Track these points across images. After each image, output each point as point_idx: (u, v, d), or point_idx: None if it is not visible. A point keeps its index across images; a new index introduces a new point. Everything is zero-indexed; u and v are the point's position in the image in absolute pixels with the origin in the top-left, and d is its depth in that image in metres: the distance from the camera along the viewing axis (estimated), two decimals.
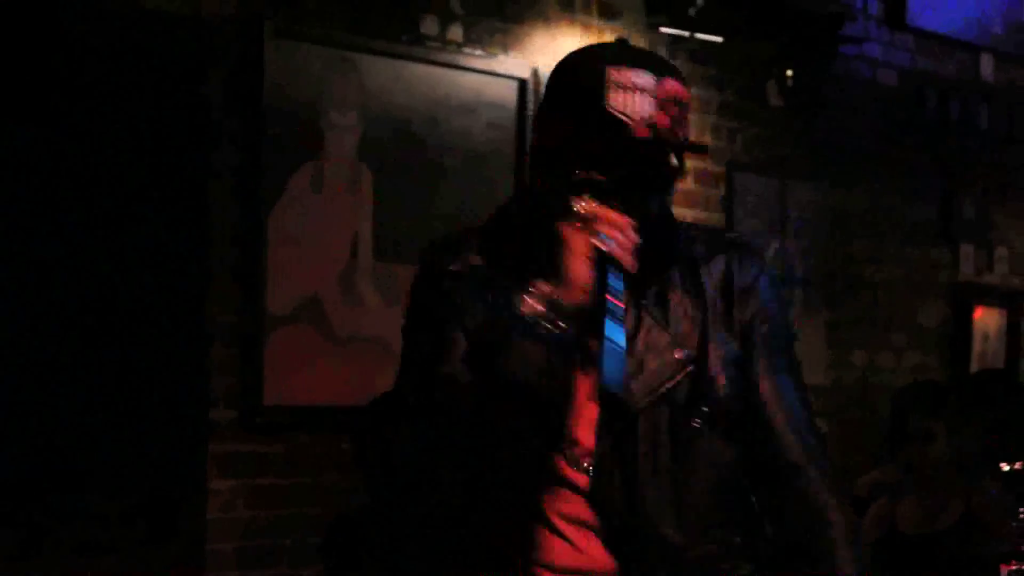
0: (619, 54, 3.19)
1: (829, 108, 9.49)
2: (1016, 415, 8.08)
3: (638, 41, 8.14)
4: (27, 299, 6.16)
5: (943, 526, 7.00)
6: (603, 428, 3.14)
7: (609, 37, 8.27)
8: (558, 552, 3.21)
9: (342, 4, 7.07)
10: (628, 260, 2.96)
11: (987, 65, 11.09)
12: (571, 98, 3.02)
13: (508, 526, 3.21)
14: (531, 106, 7.52)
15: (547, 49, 7.73)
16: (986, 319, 10.93)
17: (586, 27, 8.13)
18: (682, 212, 8.15)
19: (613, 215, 2.93)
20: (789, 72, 8.84)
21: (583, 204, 2.97)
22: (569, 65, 3.12)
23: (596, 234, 2.93)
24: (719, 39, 8.45)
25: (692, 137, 3.19)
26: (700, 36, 8.36)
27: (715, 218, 8.82)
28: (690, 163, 8.33)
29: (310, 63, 6.78)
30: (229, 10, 6.48)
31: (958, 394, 8.18)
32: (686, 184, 8.52)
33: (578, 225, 2.95)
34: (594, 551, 3.20)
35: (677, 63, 7.65)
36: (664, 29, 8.22)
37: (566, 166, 3.00)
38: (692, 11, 8.10)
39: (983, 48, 10.89)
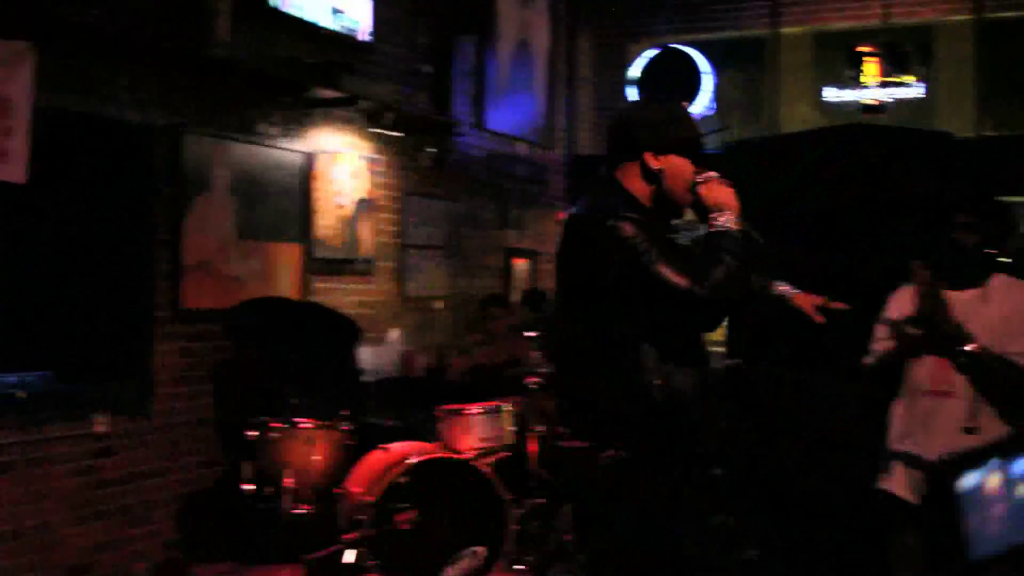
0: None
1: (451, 165, 11.36)
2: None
3: (364, 137, 10.04)
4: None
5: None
6: None
7: (353, 131, 9.94)
8: None
9: (224, 114, 8.49)
10: None
11: (522, 147, 12.99)
12: None
13: None
14: (313, 167, 9.42)
15: (320, 138, 9.55)
16: (520, 265, 12.92)
17: (341, 128, 9.81)
18: (383, 216, 10.28)
19: None
20: (429, 149, 10.85)
21: None
22: None
23: None
24: (402, 134, 10.27)
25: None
26: (391, 133, 10.16)
27: (394, 219, 10.58)
28: (383, 191, 10.32)
29: (203, 146, 8.29)
30: (162, 120, 7.89)
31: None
32: (382, 200, 10.33)
33: None
34: None
35: (380, 145, 10.06)
36: (372, 129, 9.96)
37: None
38: (388, 120, 9.91)
39: (519, 138, 12.86)
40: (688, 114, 4.34)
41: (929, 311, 4.73)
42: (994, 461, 2.13)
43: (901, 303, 4.98)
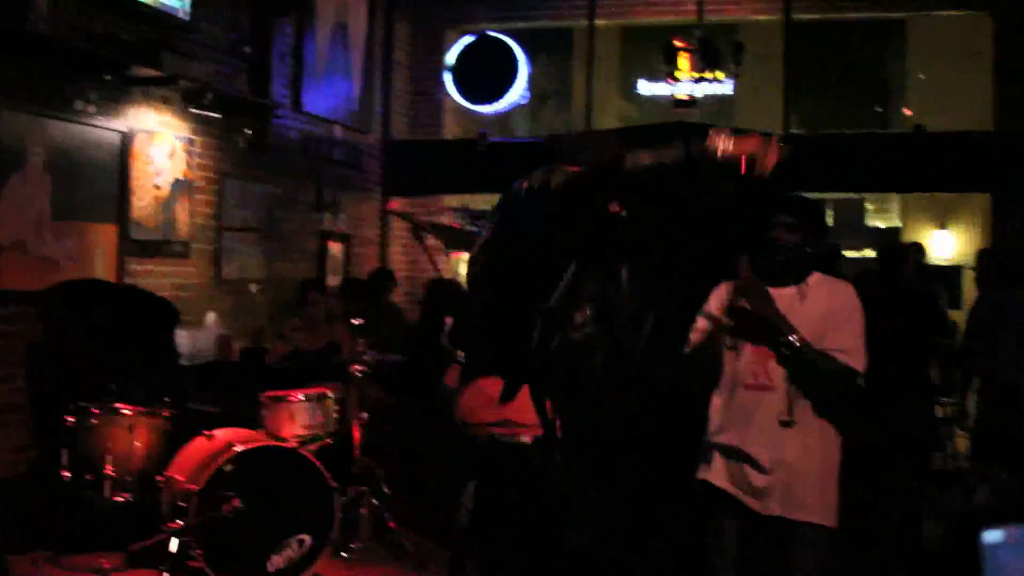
0: None
1: (269, 147, 11.12)
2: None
3: (182, 117, 9.82)
4: None
5: None
6: None
7: (171, 111, 9.72)
8: None
9: (40, 91, 8.26)
10: None
11: (338, 130, 12.82)
12: None
13: None
14: (130, 147, 9.18)
15: (137, 117, 9.31)
16: (335, 249, 12.74)
17: (159, 108, 9.59)
18: (200, 197, 10.11)
19: None
20: (247, 131, 10.63)
21: None
22: None
23: None
24: (220, 115, 10.17)
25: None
26: (209, 114, 10.05)
27: (212, 200, 10.39)
28: (200, 172, 10.13)
29: (19, 123, 8.08)
30: None
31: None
32: (199, 182, 10.14)
33: None
34: None
35: (198, 126, 9.91)
36: (191, 109, 9.79)
37: None
38: (207, 100, 9.76)
39: (335, 122, 12.69)
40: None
41: (755, 305, 4.80)
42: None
43: (721, 296, 5.04)
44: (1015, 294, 9.09)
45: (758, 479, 4.81)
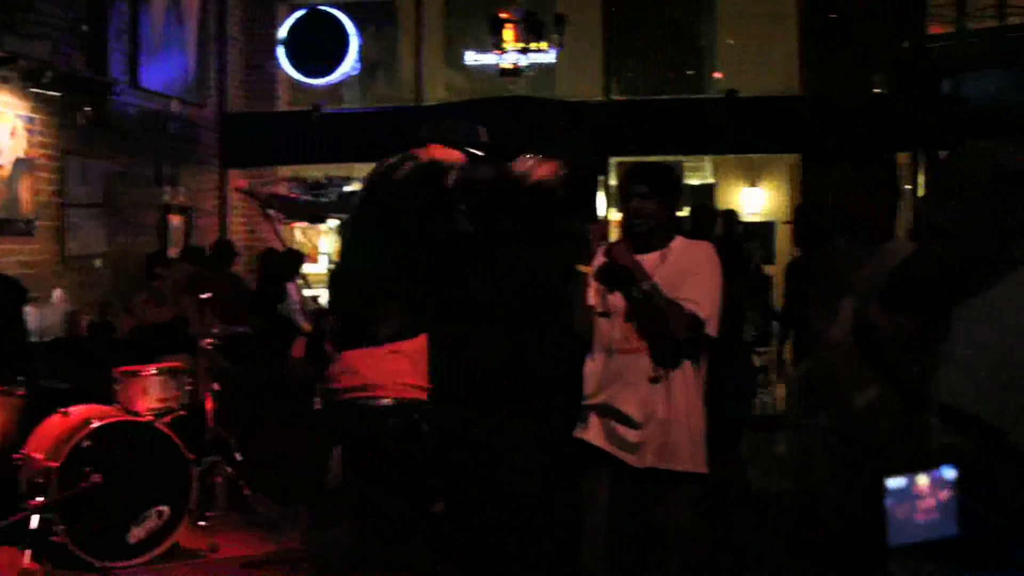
0: None
1: (109, 124, 10.96)
2: None
3: (21, 96, 9.64)
4: None
5: None
6: None
7: (9, 91, 9.54)
8: None
9: None
10: None
11: (175, 104, 12.69)
12: None
13: None
14: None
15: None
16: (176, 221, 12.89)
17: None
18: (42, 175, 10.01)
19: None
20: (87, 108, 10.47)
21: None
22: None
23: None
24: (59, 94, 9.98)
25: None
26: (50, 92, 9.87)
27: (54, 178, 10.27)
28: (41, 150, 9.93)
29: None
30: None
31: None
32: (41, 160, 9.95)
33: None
34: None
35: (38, 105, 9.78)
36: (32, 89, 9.66)
37: None
38: (46, 79, 9.63)
39: (172, 96, 12.57)
40: None
41: (615, 256, 4.96)
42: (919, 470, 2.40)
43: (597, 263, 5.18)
44: (826, 249, 9.31)
45: (632, 435, 4.98)
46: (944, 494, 2.47)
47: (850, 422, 4.39)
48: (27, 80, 9.77)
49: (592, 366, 5.16)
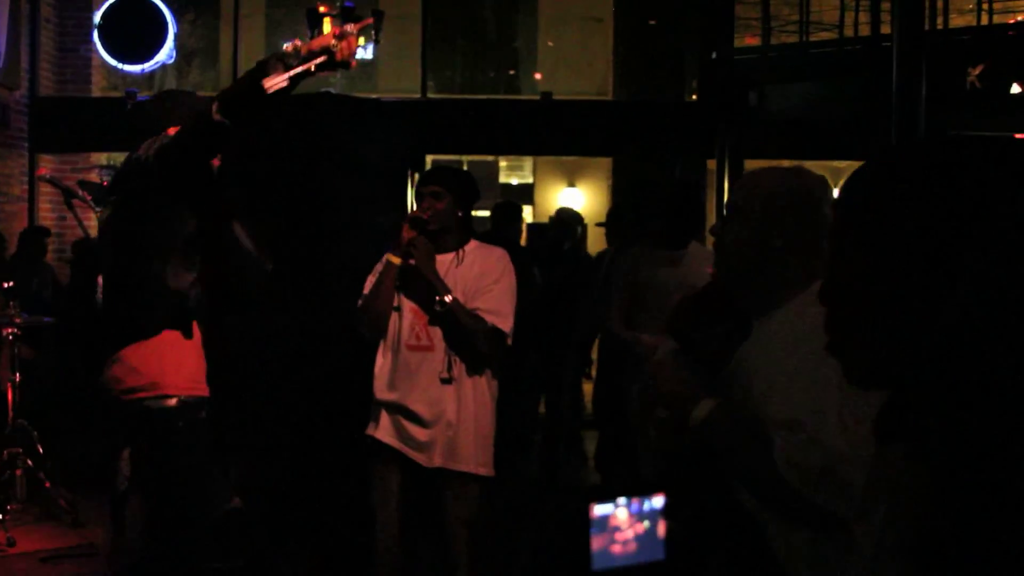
0: None
1: None
2: None
3: None
4: None
5: None
6: None
7: None
8: None
9: None
10: None
11: None
12: None
13: None
14: None
15: None
16: None
17: None
18: None
19: None
20: None
21: None
22: None
23: None
24: None
25: None
26: None
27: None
28: None
29: None
30: None
31: None
32: None
33: None
34: None
35: None
36: None
37: None
38: None
39: None
40: None
41: (418, 263, 5.00)
42: (622, 499, 2.46)
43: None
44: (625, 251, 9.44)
45: (421, 434, 5.04)
46: (648, 522, 2.56)
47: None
48: None
49: (381, 362, 5.20)
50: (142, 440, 4.41)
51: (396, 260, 5.09)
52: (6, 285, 7.94)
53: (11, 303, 7.87)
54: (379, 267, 5.21)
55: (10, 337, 7.79)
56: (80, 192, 7.27)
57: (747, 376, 2.79)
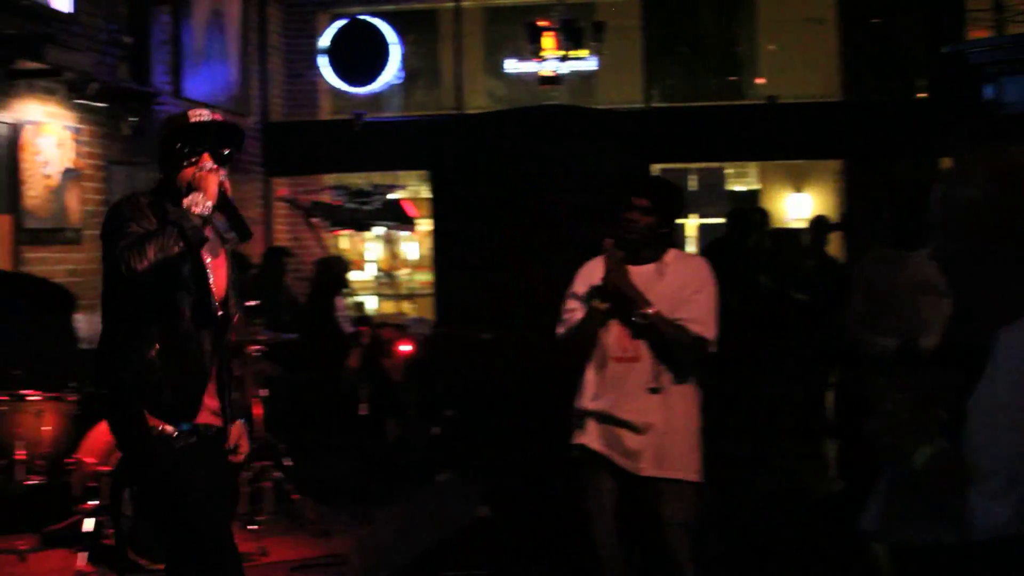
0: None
1: (152, 134, 9.90)
2: None
3: (68, 107, 9.82)
4: None
5: None
6: None
7: (56, 102, 9.73)
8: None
9: None
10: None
11: (218, 114, 13.92)
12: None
13: None
14: (19, 138, 9.16)
15: (24, 109, 9.30)
16: None
17: (44, 99, 9.59)
18: (89, 185, 10.16)
19: None
20: (131, 119, 10.63)
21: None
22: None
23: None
24: (105, 104, 10.16)
25: None
26: (95, 103, 9.98)
27: (100, 187, 10.38)
28: (87, 160, 10.17)
29: None
30: None
31: None
32: (87, 169, 10.11)
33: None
34: None
35: (83, 115, 9.96)
36: (78, 100, 9.80)
37: None
38: (91, 90, 9.81)
39: (215, 106, 11.72)
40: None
41: (614, 281, 5.04)
42: None
43: (588, 276, 5.26)
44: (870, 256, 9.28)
45: (631, 441, 5.07)
46: None
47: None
48: (72, 92, 9.91)
49: (590, 374, 5.22)
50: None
51: (603, 307, 5.12)
52: (251, 304, 8.17)
53: (256, 321, 8.08)
54: (578, 285, 5.28)
55: (256, 354, 8.02)
56: (314, 207, 7.38)
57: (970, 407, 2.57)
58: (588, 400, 5.22)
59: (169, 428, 4.17)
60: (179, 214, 4.11)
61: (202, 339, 4.26)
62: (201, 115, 4.40)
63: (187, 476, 4.17)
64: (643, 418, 5.04)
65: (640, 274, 5.09)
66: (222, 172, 4.35)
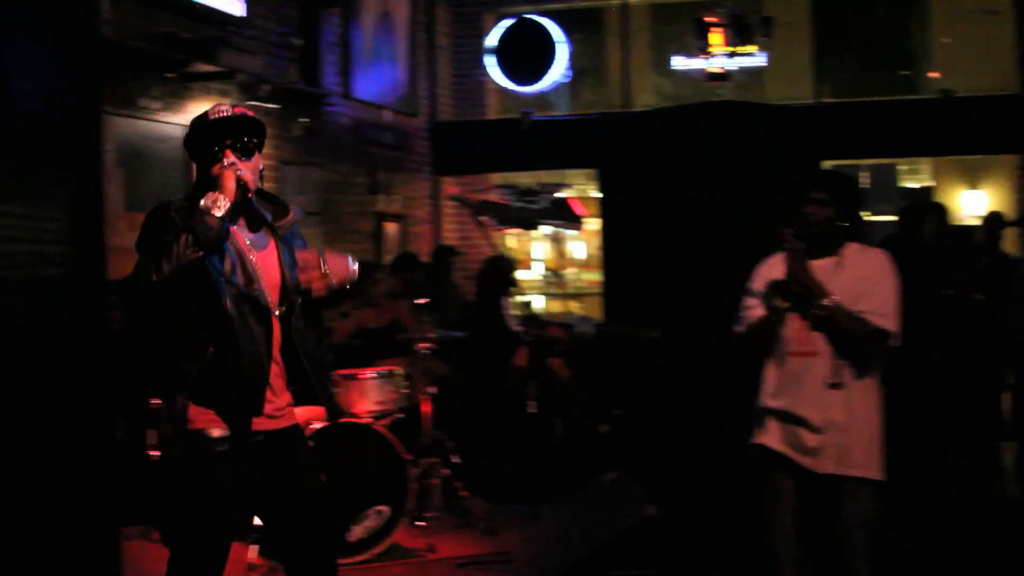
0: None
1: (322, 134, 11.37)
2: None
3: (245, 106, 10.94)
4: None
5: None
6: None
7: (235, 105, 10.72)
8: None
9: (107, 90, 8.33)
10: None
11: (387, 114, 13.08)
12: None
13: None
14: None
15: (199, 110, 10.31)
16: (390, 229, 13.05)
17: (218, 101, 9.31)
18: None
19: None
20: (302, 119, 10.90)
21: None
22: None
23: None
24: (276, 105, 10.38)
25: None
26: (267, 105, 10.18)
27: (272, 188, 11.35)
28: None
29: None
30: None
31: None
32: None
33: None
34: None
35: (259, 117, 11.25)
36: (250, 102, 9.74)
37: None
38: (263, 92, 10.04)
39: (384, 106, 12.98)
40: None
41: (793, 272, 4.96)
42: None
43: (768, 272, 5.18)
44: None
45: (811, 439, 4.95)
46: None
47: None
48: (244, 93, 10.09)
49: (769, 370, 5.14)
50: None
51: (783, 302, 5.03)
52: (421, 302, 8.22)
53: (425, 319, 8.11)
54: (757, 281, 5.20)
55: (424, 352, 8.07)
56: (488, 209, 7.38)
57: None
58: (767, 398, 5.14)
59: (216, 432, 4.11)
60: (195, 217, 4.03)
61: (256, 336, 4.17)
62: (221, 111, 4.33)
63: (207, 483, 4.11)
64: (823, 414, 4.93)
65: (819, 267, 4.98)
66: (247, 165, 4.24)
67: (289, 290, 4.34)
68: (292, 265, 4.34)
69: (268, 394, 4.25)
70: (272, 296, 4.27)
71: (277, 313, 4.27)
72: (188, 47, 9.12)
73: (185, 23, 9.25)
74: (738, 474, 5.48)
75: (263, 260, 4.28)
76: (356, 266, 4.47)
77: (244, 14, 9.95)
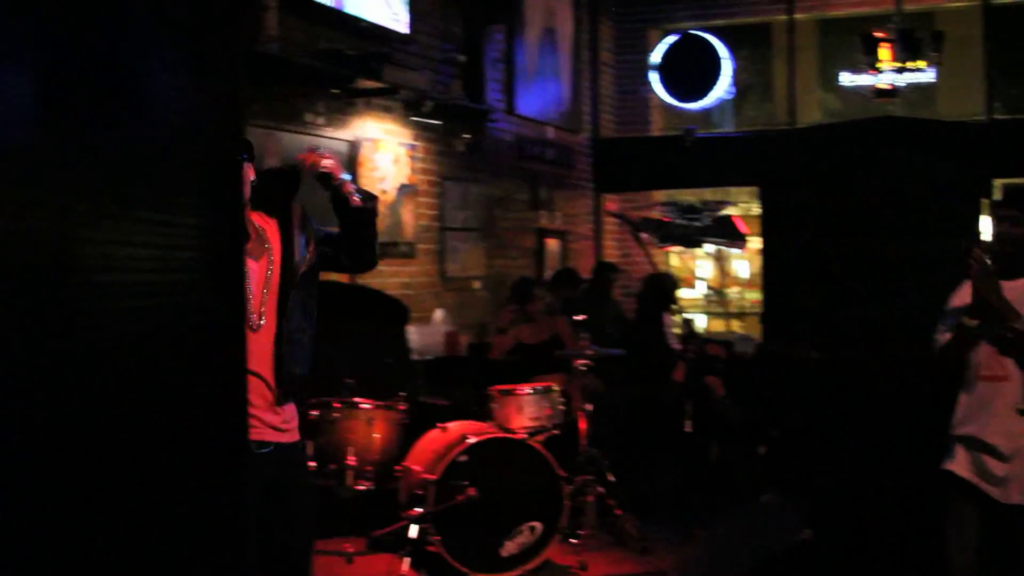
0: None
1: (485, 150, 11.42)
2: None
3: (404, 125, 10.17)
4: None
5: None
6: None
7: (393, 120, 10.04)
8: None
9: (274, 106, 8.65)
10: None
11: (550, 131, 13.03)
12: None
13: None
14: (357, 155, 9.53)
15: (362, 126, 9.63)
16: (552, 245, 13.05)
17: (382, 117, 9.90)
18: (423, 200, 10.42)
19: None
20: (465, 135, 10.97)
21: None
22: None
23: None
24: (439, 122, 10.45)
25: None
26: (430, 121, 10.32)
27: (433, 203, 10.68)
28: (422, 176, 10.47)
29: (256, 137, 8.16)
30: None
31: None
32: (421, 185, 10.41)
33: None
34: None
35: (418, 132, 10.25)
36: (413, 118, 10.13)
37: None
38: (426, 108, 10.09)
39: (547, 123, 12.95)
40: None
41: (982, 292, 4.80)
42: None
43: (962, 296, 5.04)
44: None
45: (998, 468, 4.85)
46: None
47: None
48: (408, 109, 10.23)
49: (962, 396, 5.03)
50: None
51: (972, 323, 4.91)
52: (579, 318, 8.21)
53: (583, 335, 8.09)
54: (951, 305, 5.08)
55: (582, 368, 8.04)
56: (643, 223, 7.35)
57: None
58: (956, 424, 5.04)
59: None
60: None
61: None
62: None
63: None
64: (1013, 443, 4.81)
65: (1012, 288, 4.85)
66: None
67: (274, 304, 4.32)
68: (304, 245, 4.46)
69: (265, 407, 4.22)
70: (253, 302, 4.24)
71: (254, 328, 4.18)
72: (353, 63, 9.22)
73: (350, 40, 9.36)
74: (900, 500, 5.29)
75: (251, 271, 4.27)
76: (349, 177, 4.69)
77: (408, 31, 10.01)
